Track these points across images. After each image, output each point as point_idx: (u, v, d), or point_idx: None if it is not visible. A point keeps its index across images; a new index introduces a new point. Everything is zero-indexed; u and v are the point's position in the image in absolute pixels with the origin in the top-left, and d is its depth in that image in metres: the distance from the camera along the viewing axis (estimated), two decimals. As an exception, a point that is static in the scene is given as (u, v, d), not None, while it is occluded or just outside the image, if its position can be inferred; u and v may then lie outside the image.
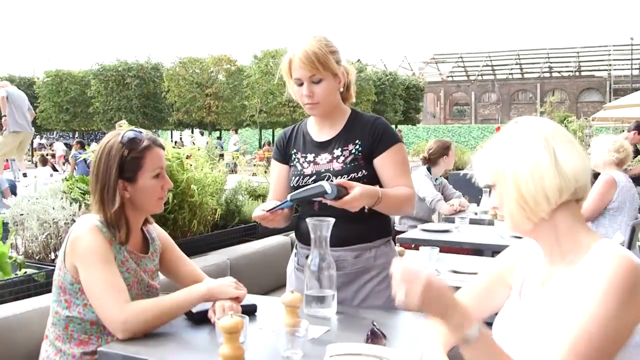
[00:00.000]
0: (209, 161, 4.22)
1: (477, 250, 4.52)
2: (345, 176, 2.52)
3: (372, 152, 2.58)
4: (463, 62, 75.70)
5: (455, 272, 3.27)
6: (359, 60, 40.52)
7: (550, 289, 1.62)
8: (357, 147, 2.59)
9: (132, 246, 2.33)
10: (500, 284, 1.83)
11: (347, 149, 2.59)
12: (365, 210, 2.39)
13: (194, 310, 2.27)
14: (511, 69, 72.59)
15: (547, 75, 70.41)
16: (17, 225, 3.32)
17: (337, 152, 2.60)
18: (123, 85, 36.36)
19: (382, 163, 2.58)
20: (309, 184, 2.46)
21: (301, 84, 2.54)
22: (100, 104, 36.70)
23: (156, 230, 2.52)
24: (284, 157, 2.76)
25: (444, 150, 5.84)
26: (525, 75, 71.78)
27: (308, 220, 2.29)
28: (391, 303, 2.57)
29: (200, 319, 2.25)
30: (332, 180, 2.42)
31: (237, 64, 36.27)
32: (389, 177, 2.57)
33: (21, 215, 3.29)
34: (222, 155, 24.84)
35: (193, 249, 3.83)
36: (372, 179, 2.57)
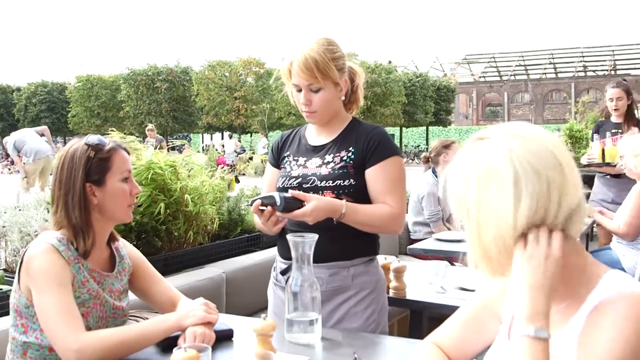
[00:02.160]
0: (208, 168, 4.02)
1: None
2: (331, 182, 2.37)
3: (364, 162, 2.41)
4: (495, 62, 74.89)
5: (463, 289, 3.00)
6: (389, 61, 40.37)
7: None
8: (350, 154, 2.42)
9: (95, 264, 2.14)
10: (488, 314, 1.57)
11: (339, 156, 2.44)
12: (334, 222, 2.29)
13: None
14: (544, 68, 71.61)
15: (582, 74, 69.28)
16: (-1, 238, 3.16)
17: (329, 157, 2.45)
18: (153, 89, 36.66)
19: (372, 175, 2.40)
20: (294, 185, 2.41)
21: (300, 90, 2.39)
22: (130, 108, 37.04)
23: (127, 249, 2.33)
24: (277, 160, 2.64)
25: (442, 148, 5.56)
26: (559, 75, 70.76)
27: (288, 237, 2.10)
28: (369, 326, 2.38)
29: (169, 346, 2.03)
30: (287, 192, 2.26)
31: (265, 66, 36.27)
32: (376, 191, 2.39)
33: (3, 227, 3.13)
34: (251, 158, 24.91)
35: (189, 261, 3.65)
36: (361, 189, 2.39)
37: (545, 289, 1.24)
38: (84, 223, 2.06)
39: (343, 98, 2.50)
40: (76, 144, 2.12)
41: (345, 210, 2.27)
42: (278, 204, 2.17)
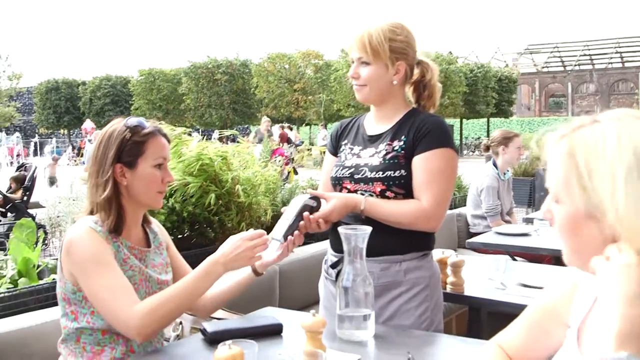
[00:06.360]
0: (261, 159, 3.96)
1: (558, 258, 3.98)
2: (381, 173, 2.28)
3: (413, 150, 2.28)
4: (559, 52, 73.14)
5: (524, 285, 2.84)
6: (450, 52, 39.92)
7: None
8: (402, 143, 2.31)
9: (133, 242, 2.14)
10: (554, 321, 1.42)
11: (391, 145, 2.33)
12: (362, 217, 2.26)
13: (209, 329, 2.03)
14: (610, 57, 69.56)
15: (650, 63, 67.09)
16: (54, 227, 3.17)
17: (382, 147, 2.34)
18: (213, 82, 37.15)
19: (417, 165, 2.27)
20: (346, 176, 2.38)
21: (353, 63, 2.38)
22: (191, 100, 37.62)
23: (158, 227, 2.35)
24: (335, 148, 2.57)
25: (502, 140, 5.30)
26: (626, 64, 68.63)
27: (340, 229, 2.01)
28: (422, 324, 2.26)
29: (216, 340, 1.98)
30: (307, 191, 2.28)
31: (324, 58, 36.27)
32: (417, 183, 2.26)
33: (58, 217, 3.13)
34: (310, 150, 24.94)
35: (242, 252, 3.59)
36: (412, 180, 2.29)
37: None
38: (109, 202, 2.06)
39: (395, 82, 2.35)
40: (117, 124, 2.13)
41: (365, 207, 2.24)
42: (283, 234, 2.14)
